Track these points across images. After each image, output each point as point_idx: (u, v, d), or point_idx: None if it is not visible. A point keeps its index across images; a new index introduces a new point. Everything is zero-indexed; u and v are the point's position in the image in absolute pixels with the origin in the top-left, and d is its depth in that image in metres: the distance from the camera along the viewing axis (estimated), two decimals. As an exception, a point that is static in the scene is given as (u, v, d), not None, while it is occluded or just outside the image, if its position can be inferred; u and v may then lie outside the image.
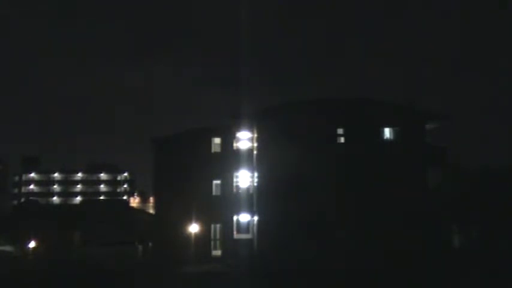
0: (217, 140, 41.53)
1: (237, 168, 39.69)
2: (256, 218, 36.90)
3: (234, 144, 40.55)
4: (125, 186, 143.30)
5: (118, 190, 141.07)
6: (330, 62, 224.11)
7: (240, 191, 39.87)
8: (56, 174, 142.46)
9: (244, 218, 38.39)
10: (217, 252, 40.34)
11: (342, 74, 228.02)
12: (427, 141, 37.85)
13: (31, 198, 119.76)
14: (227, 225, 39.89)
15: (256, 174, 37.62)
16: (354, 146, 36.78)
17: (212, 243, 40.87)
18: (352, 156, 36.26)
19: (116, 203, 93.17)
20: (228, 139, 40.67)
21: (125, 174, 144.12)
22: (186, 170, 40.25)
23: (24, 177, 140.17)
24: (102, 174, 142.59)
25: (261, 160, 36.89)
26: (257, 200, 36.74)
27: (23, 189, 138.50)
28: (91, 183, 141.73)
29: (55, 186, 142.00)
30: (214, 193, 40.91)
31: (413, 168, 36.24)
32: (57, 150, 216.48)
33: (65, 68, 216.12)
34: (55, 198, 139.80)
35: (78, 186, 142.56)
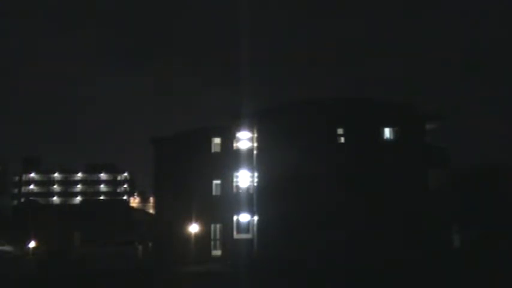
0: (217, 140, 41.53)
1: (237, 168, 39.65)
2: (256, 218, 36.90)
3: (234, 144, 40.52)
4: (125, 186, 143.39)
5: (118, 190, 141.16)
6: (329, 62, 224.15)
7: (240, 191, 39.83)
8: (56, 174, 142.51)
9: (244, 218, 38.37)
10: (217, 252, 40.32)
11: (342, 74, 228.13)
12: (427, 142, 37.86)
13: (31, 198, 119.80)
14: (227, 225, 39.86)
15: (256, 174, 37.61)
16: (354, 146, 36.78)
17: (212, 243, 40.86)
18: (352, 156, 36.27)
19: (116, 203, 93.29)
20: (228, 139, 40.64)
21: (125, 174, 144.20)
22: (186, 170, 40.24)
23: (24, 177, 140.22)
24: (102, 174, 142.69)
25: (261, 160, 36.88)
26: (257, 200, 36.72)
27: (23, 189, 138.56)
28: (91, 183, 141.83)
29: (55, 186, 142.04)
30: (214, 193, 40.90)
31: (413, 168, 36.24)
32: (57, 150, 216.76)
33: (65, 68, 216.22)
34: (55, 198, 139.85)
35: (78, 186, 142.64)
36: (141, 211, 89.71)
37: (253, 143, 38.45)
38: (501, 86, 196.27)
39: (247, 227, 38.97)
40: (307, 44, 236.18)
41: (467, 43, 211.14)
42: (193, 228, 39.51)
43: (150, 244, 45.30)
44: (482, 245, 37.11)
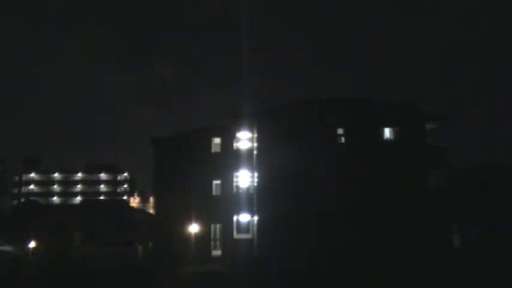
0: (217, 140, 41.53)
1: (237, 168, 39.66)
2: (256, 218, 36.90)
3: (234, 144, 40.52)
4: (125, 186, 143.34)
5: (118, 190, 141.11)
6: (329, 62, 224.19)
7: (240, 191, 39.84)
8: (56, 174, 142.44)
9: (244, 218, 38.37)
10: (217, 252, 40.32)
11: (343, 74, 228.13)
12: (427, 142, 37.85)
13: (31, 198, 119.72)
14: (227, 225, 39.86)
15: (256, 174, 37.61)
16: (354, 146, 36.78)
17: (212, 243, 40.85)
18: (352, 156, 36.26)
19: (116, 203, 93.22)
20: (228, 139, 40.64)
21: (125, 174, 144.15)
22: (186, 170, 40.24)
23: (24, 177, 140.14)
24: (102, 174, 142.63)
25: (261, 160, 36.87)
26: (257, 200, 36.72)
27: (23, 189, 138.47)
28: (91, 183, 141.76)
29: (55, 186, 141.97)
30: (214, 193, 40.90)
31: (413, 168, 36.24)
32: (57, 150, 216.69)
33: (65, 68, 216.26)
34: (55, 198, 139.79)
35: (78, 186, 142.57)
36: (141, 211, 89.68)
37: (253, 143, 38.45)
38: (501, 85, 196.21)
39: (247, 227, 38.96)
40: (307, 44, 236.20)
41: (468, 42, 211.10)
42: (193, 228, 39.49)
43: (150, 244, 45.29)
44: (482, 245, 37.10)
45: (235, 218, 39.49)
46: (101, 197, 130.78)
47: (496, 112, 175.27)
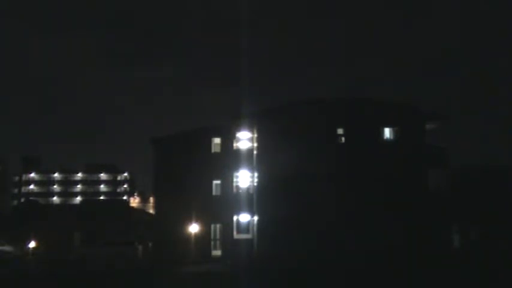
0: (217, 140, 41.52)
1: (237, 168, 39.67)
2: (256, 218, 36.90)
3: (234, 144, 40.53)
4: (125, 186, 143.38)
5: (118, 190, 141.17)
6: (329, 62, 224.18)
7: (240, 191, 39.85)
8: (56, 174, 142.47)
9: (244, 218, 38.37)
10: (217, 252, 40.32)
11: (342, 74, 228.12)
12: (427, 142, 37.88)
13: (31, 198, 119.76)
14: (227, 225, 39.87)
15: (256, 174, 37.62)
16: (354, 146, 36.79)
17: (212, 243, 40.85)
18: (352, 156, 36.28)
19: (116, 203, 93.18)
20: (228, 139, 40.65)
21: (125, 174, 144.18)
22: (186, 170, 40.21)
23: (24, 177, 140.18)
24: (102, 174, 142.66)
25: (261, 160, 36.89)
26: (257, 200, 36.74)
27: (23, 189, 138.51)
28: (91, 183, 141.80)
29: (55, 186, 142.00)
30: (214, 193, 40.88)
31: (413, 169, 36.28)
32: (57, 150, 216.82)
33: (65, 68, 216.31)
34: (55, 198, 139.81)
35: (78, 186, 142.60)
36: (141, 211, 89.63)
37: (253, 143, 38.46)
38: (501, 85, 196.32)
39: (247, 227, 38.98)
40: (308, 44, 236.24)
41: (468, 42, 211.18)
42: (193, 228, 39.48)
43: (150, 244, 45.27)
44: (482, 245, 37.12)
45: (235, 218, 39.49)
46: (101, 197, 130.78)
47: (496, 112, 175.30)
